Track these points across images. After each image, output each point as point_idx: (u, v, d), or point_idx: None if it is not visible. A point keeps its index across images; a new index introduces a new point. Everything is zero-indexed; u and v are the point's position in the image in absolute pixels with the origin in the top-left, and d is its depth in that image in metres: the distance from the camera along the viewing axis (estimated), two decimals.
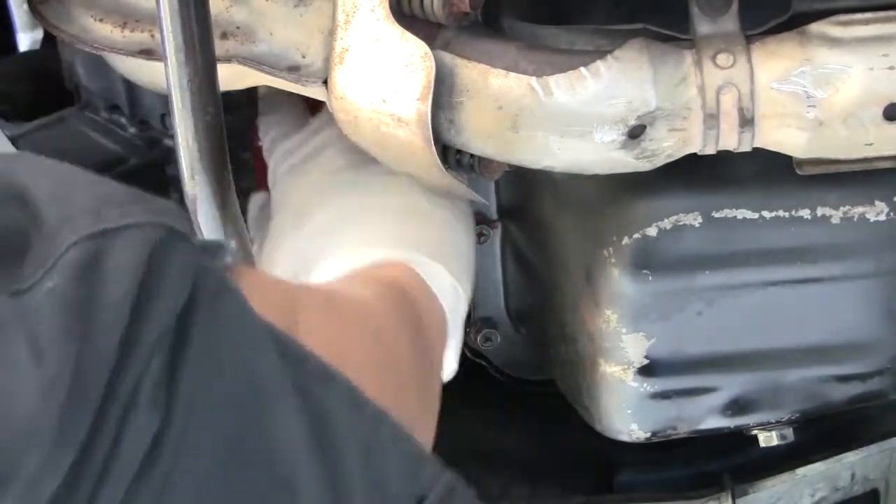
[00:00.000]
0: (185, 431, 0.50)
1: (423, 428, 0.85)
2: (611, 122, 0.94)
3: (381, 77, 0.97)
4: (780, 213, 1.08)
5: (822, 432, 1.32)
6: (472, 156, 1.03)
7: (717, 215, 1.07)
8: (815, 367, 1.17)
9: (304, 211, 1.07)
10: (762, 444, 1.24)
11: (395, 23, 0.96)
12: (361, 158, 1.07)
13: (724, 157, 0.98)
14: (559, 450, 1.43)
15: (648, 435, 1.21)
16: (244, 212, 1.04)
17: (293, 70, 1.04)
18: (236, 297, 0.56)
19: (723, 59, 0.94)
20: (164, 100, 0.99)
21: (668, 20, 0.97)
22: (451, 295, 0.99)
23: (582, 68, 0.94)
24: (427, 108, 0.95)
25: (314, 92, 1.05)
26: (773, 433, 1.24)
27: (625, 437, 1.22)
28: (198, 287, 0.52)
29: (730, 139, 0.96)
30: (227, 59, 1.04)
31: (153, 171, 1.38)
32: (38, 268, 0.49)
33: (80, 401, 0.47)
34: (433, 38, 0.97)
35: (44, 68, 1.56)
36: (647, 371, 1.15)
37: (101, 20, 1.08)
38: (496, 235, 1.31)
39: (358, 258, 0.98)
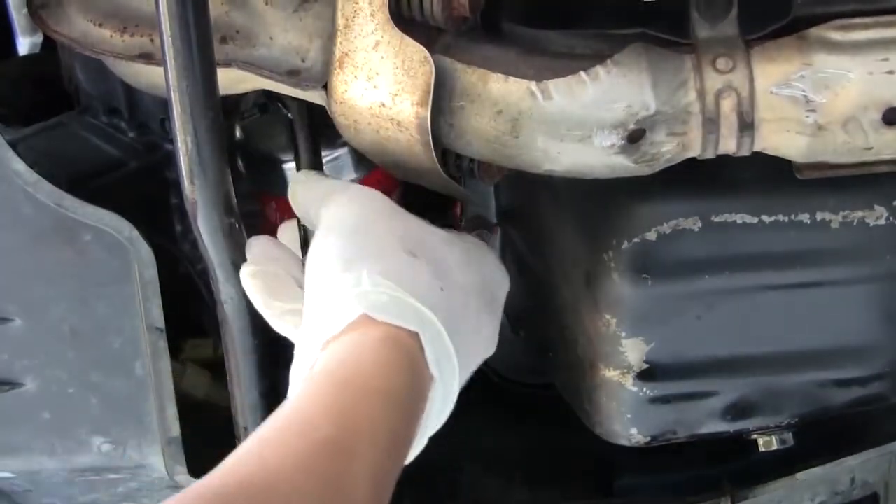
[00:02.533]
0: None
1: None
2: (610, 126, 0.94)
3: (380, 81, 0.97)
4: (780, 217, 1.08)
5: (822, 437, 1.32)
6: (471, 160, 1.03)
7: (716, 219, 1.07)
8: (814, 371, 1.17)
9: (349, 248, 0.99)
10: (762, 448, 1.24)
11: (395, 27, 0.96)
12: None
13: (723, 161, 0.98)
14: (558, 454, 1.43)
15: (648, 439, 1.21)
16: (243, 216, 1.04)
17: (293, 74, 1.04)
18: None
19: (722, 63, 0.94)
20: (164, 104, 0.98)
21: (667, 25, 0.97)
22: (450, 374, 0.94)
23: (581, 73, 0.94)
24: (427, 112, 0.95)
25: (313, 96, 1.06)
26: (773, 437, 1.24)
27: (624, 441, 1.22)
28: None
29: (729, 143, 0.96)
30: (227, 64, 1.04)
31: (153, 175, 1.38)
32: None
33: None
34: (433, 42, 0.97)
35: (43, 72, 1.56)
36: (646, 375, 1.15)
37: (100, 24, 1.08)
38: (495, 239, 1.31)
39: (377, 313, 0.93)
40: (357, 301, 0.91)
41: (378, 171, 1.23)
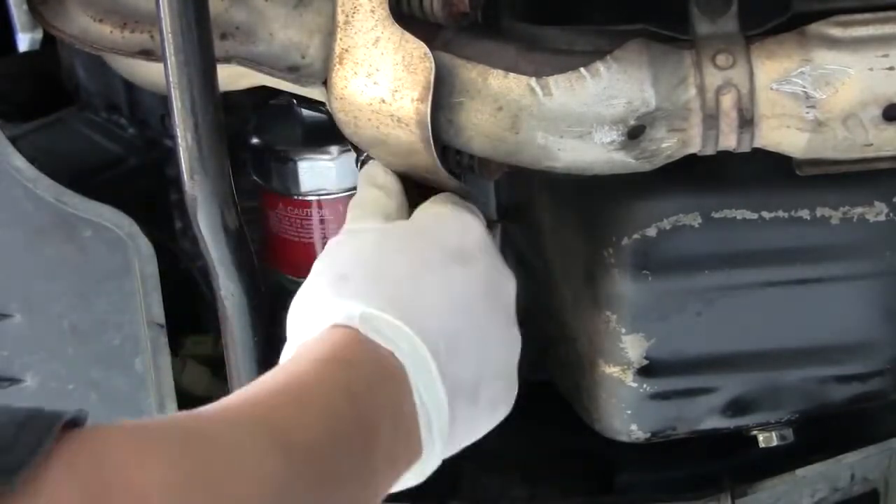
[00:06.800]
0: None
1: None
2: (610, 122, 0.94)
3: (380, 78, 0.97)
4: (780, 213, 1.08)
5: (822, 433, 1.32)
6: (471, 156, 1.03)
7: (716, 216, 1.07)
8: (814, 367, 1.17)
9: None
10: (762, 444, 1.24)
11: (395, 23, 0.96)
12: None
13: (723, 157, 0.98)
14: (558, 450, 1.43)
15: (648, 435, 1.21)
16: (243, 212, 1.04)
17: (293, 70, 1.04)
18: None
19: (722, 59, 0.94)
20: (164, 100, 0.98)
21: (667, 21, 0.97)
22: (413, 355, 0.88)
23: (581, 69, 0.94)
24: (427, 108, 0.95)
25: (313, 93, 1.06)
26: (773, 433, 1.24)
27: (624, 438, 1.22)
28: None
29: (729, 140, 0.96)
30: (227, 60, 1.04)
31: (152, 172, 1.38)
32: None
33: None
34: (433, 38, 0.97)
35: (43, 69, 1.56)
36: (646, 371, 1.15)
37: (100, 21, 1.08)
38: (496, 236, 1.31)
39: (306, 330, 0.90)
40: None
41: None
